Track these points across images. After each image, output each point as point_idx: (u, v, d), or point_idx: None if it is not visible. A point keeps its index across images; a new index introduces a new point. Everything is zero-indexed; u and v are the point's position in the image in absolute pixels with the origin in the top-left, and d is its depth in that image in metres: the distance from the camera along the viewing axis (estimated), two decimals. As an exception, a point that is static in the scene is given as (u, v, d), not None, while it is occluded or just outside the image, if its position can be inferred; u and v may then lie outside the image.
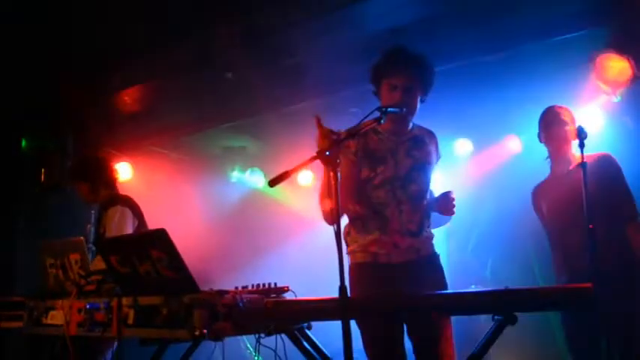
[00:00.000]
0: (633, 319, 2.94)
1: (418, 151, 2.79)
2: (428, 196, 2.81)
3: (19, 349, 4.52)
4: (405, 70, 2.69)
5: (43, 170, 5.54)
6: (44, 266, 2.90)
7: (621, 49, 3.69)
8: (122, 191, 4.00)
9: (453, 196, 2.72)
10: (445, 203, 2.74)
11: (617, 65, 3.74)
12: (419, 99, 2.76)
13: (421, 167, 2.77)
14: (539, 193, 3.40)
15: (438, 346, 2.60)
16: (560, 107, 3.30)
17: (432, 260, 2.77)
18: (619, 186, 3.12)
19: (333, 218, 2.07)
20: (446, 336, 2.63)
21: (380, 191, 2.72)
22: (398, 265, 2.67)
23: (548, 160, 3.33)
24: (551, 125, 3.23)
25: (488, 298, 2.15)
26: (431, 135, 2.90)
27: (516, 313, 2.06)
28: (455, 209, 2.73)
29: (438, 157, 2.90)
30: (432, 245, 2.80)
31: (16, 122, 5.29)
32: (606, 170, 3.12)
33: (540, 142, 3.33)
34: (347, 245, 2.75)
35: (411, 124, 2.83)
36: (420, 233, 2.73)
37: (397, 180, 2.72)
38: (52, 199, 5.45)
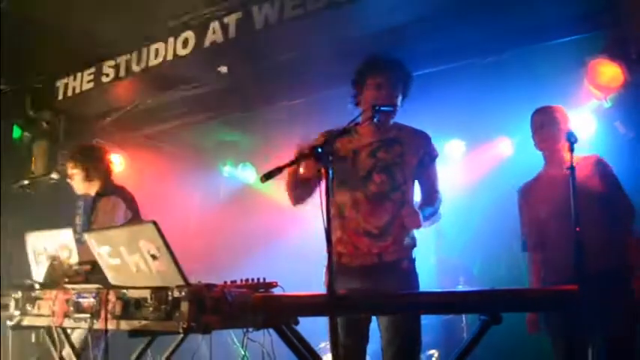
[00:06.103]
0: (620, 321, 2.96)
1: (386, 152, 2.76)
2: (407, 198, 2.74)
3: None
4: (390, 70, 2.76)
5: (32, 159, 5.51)
6: (32, 257, 2.89)
7: (614, 55, 3.71)
8: (117, 182, 3.90)
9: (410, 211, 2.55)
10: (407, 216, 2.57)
11: (609, 71, 3.75)
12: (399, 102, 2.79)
13: (386, 169, 2.74)
14: (528, 191, 3.34)
15: (407, 345, 2.62)
16: (552, 107, 3.26)
17: (396, 268, 2.69)
18: (618, 190, 3.12)
19: (325, 216, 2.08)
20: (415, 335, 2.65)
21: (340, 190, 2.74)
22: (357, 268, 2.67)
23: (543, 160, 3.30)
24: (543, 126, 3.20)
25: (474, 298, 2.17)
26: (417, 137, 2.84)
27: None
28: (419, 221, 2.54)
29: (429, 158, 2.83)
30: (402, 252, 2.72)
31: (5, 110, 5.26)
32: (604, 174, 3.12)
33: (533, 142, 3.26)
34: None
35: (390, 124, 2.81)
36: (382, 237, 2.68)
37: (354, 180, 2.73)
38: (39, 188, 5.42)
